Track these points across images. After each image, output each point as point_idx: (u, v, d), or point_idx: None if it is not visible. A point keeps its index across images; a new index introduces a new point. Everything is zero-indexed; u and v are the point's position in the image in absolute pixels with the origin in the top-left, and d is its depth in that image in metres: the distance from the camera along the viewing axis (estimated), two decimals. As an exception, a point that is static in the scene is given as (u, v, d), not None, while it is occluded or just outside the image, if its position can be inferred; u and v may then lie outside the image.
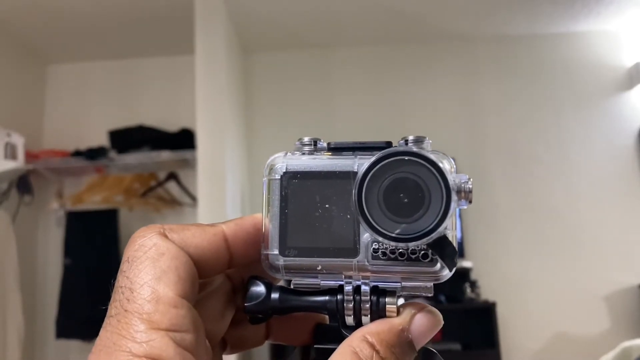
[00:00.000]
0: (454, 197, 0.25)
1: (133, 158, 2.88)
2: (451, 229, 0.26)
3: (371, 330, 0.26)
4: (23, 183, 2.83)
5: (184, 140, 2.96)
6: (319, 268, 0.27)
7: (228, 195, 2.59)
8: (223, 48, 2.72)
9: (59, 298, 2.84)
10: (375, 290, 0.27)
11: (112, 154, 2.94)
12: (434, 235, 0.25)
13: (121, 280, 0.26)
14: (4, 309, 2.49)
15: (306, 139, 0.29)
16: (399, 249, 0.26)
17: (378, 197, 0.25)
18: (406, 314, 0.26)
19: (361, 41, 3.31)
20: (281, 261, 0.27)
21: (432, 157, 0.26)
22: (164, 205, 3.02)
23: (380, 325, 0.26)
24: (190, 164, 2.91)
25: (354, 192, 0.25)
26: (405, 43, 3.34)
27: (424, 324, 0.26)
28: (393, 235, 0.25)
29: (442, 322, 0.27)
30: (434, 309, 0.27)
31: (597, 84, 3.24)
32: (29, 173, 2.84)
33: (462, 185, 0.26)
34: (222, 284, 0.31)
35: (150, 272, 0.25)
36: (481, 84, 3.27)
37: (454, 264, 0.26)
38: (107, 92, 3.31)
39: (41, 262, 3.12)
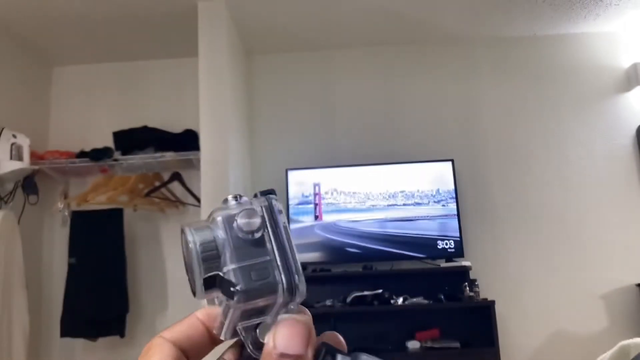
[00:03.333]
0: (195, 266, 0.28)
1: (137, 159, 2.91)
2: (228, 264, 0.28)
3: None
4: (29, 183, 2.85)
5: (188, 141, 2.99)
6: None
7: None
8: (226, 50, 2.75)
9: (64, 297, 2.85)
10: (250, 329, 0.29)
11: (117, 154, 2.97)
12: (199, 296, 0.28)
13: None
14: (10, 308, 2.51)
15: (230, 197, 0.30)
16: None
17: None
18: (270, 333, 0.28)
19: (362, 43, 3.34)
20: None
21: (185, 229, 0.29)
22: (168, 206, 3.05)
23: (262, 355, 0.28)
24: (194, 165, 2.94)
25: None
26: (405, 45, 3.37)
27: (284, 333, 0.27)
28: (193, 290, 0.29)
29: (308, 318, 0.28)
30: (294, 314, 0.28)
31: (596, 85, 3.26)
32: (34, 173, 2.86)
33: (230, 217, 0.28)
34: None
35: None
36: (481, 85, 3.30)
37: (235, 292, 0.27)
38: (112, 94, 3.34)
39: (46, 262, 3.14)
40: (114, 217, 2.93)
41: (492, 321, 2.66)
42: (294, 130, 3.30)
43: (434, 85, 3.32)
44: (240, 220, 0.28)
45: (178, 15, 2.86)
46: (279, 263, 0.27)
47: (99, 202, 2.92)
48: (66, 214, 3.01)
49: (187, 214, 3.09)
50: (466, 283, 2.80)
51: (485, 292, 2.93)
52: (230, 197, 0.30)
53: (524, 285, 3.03)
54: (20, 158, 2.74)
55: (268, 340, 0.27)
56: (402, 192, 3.01)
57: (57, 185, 3.11)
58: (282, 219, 0.29)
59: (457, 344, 2.67)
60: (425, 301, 2.75)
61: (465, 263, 2.86)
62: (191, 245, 0.28)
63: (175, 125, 3.13)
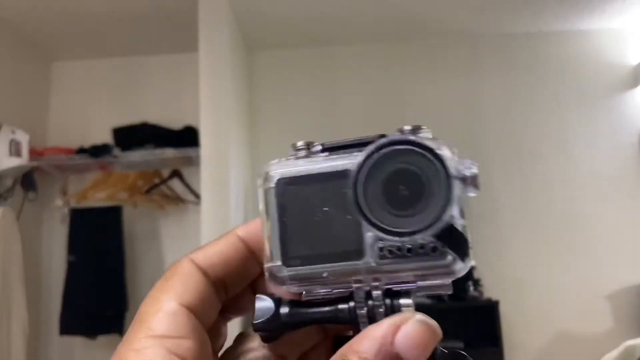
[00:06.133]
0: (456, 183, 0.24)
1: (137, 155, 2.89)
2: (460, 218, 0.24)
3: (351, 348, 0.23)
4: (27, 180, 2.85)
5: (188, 137, 2.97)
6: (325, 275, 0.25)
7: (232, 193, 2.60)
8: (227, 46, 2.73)
9: (63, 294, 2.85)
10: (388, 293, 0.25)
11: (116, 151, 2.95)
12: (439, 225, 0.24)
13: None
14: (9, 305, 2.51)
15: (299, 143, 0.28)
16: (406, 244, 0.25)
17: (376, 192, 0.24)
18: (387, 323, 0.23)
19: (364, 38, 3.31)
20: (285, 272, 0.26)
21: (428, 143, 0.24)
22: (168, 203, 3.04)
23: (359, 339, 0.23)
24: (194, 162, 2.91)
25: (351, 189, 0.24)
26: (409, 40, 3.34)
27: (412, 336, 0.23)
28: (395, 230, 0.24)
29: (440, 335, 0.24)
30: (427, 318, 0.24)
31: (601, 82, 3.24)
32: (33, 170, 2.85)
33: (465, 170, 0.24)
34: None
35: (159, 288, 0.27)
36: (485, 81, 3.28)
37: (466, 255, 0.24)
38: (111, 90, 3.32)
39: (45, 259, 3.13)
40: (113, 214, 2.92)
41: (496, 321, 2.66)
42: (295, 127, 3.27)
43: (438, 81, 3.29)
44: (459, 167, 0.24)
45: (178, 10, 2.84)
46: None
47: (98, 199, 2.91)
48: (65, 211, 3.00)
49: (187, 211, 3.08)
50: (470, 283, 2.78)
51: (490, 291, 2.91)
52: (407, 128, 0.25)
53: (528, 285, 3.01)
54: (19, 154, 2.73)
55: (385, 324, 0.23)
56: (405, 190, 2.99)
57: (56, 182, 3.10)
58: None
59: (460, 344, 2.66)
60: (429, 301, 2.73)
61: (469, 262, 2.84)
62: (440, 153, 0.24)
63: (175, 121, 3.11)
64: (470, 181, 0.24)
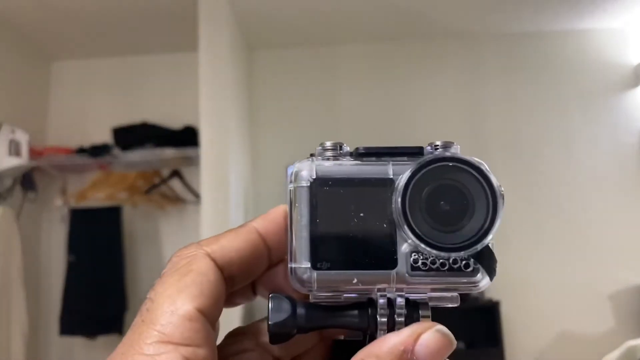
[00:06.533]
0: (502, 204, 0.25)
1: (137, 155, 2.88)
2: (489, 234, 0.26)
3: (371, 352, 0.24)
4: (27, 180, 2.84)
5: (188, 137, 2.96)
6: (355, 281, 0.25)
7: (232, 193, 2.59)
8: (227, 45, 2.72)
9: (63, 295, 2.84)
10: (407, 302, 0.26)
11: (116, 151, 2.94)
12: (481, 244, 0.25)
13: (149, 292, 0.26)
14: (8, 306, 2.50)
15: (328, 144, 0.28)
16: (440, 259, 0.25)
17: (420, 205, 0.25)
18: (409, 332, 0.24)
19: (365, 38, 3.30)
20: (314, 275, 0.25)
21: (478, 163, 0.26)
22: (168, 203, 3.03)
23: (379, 345, 0.24)
24: (194, 162, 2.90)
25: (397, 199, 0.25)
26: (409, 40, 3.33)
27: (432, 345, 0.24)
28: (439, 245, 0.24)
29: (455, 344, 0.25)
30: (444, 328, 0.25)
31: (603, 81, 3.22)
32: (33, 170, 2.84)
33: (502, 189, 0.26)
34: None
35: (174, 285, 0.25)
36: (486, 80, 3.27)
37: (495, 272, 0.26)
38: (111, 89, 3.31)
39: (45, 259, 3.12)
40: (113, 214, 2.91)
41: (498, 321, 2.65)
42: (295, 126, 3.26)
43: (439, 81, 3.28)
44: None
45: (178, 9, 2.83)
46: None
47: (97, 199, 2.90)
48: (65, 210, 2.99)
49: (187, 211, 3.07)
50: (471, 283, 2.77)
51: (491, 292, 2.90)
52: (439, 143, 0.27)
53: (529, 285, 3.00)
54: (18, 154, 2.72)
55: (406, 333, 0.24)
56: (405, 189, 2.98)
57: (55, 181, 3.09)
58: None
59: (462, 345, 2.64)
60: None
61: (469, 262, 2.83)
62: (489, 175, 0.25)
63: (174, 121, 3.10)
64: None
